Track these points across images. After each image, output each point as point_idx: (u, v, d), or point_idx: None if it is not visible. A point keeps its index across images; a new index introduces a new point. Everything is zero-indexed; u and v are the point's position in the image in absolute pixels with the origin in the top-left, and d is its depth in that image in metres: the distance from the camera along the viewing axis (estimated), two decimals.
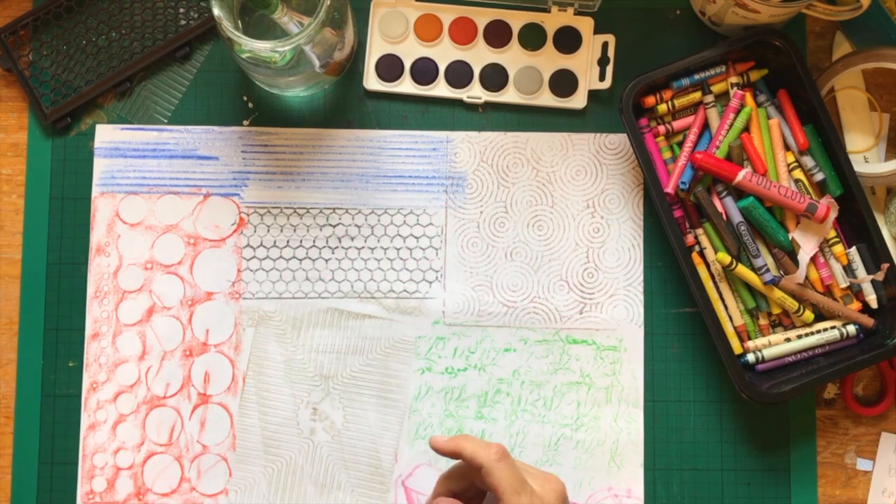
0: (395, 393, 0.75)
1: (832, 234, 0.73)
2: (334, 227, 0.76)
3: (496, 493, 0.62)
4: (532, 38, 0.77)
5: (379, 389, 0.74)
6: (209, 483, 0.74)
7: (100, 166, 0.76)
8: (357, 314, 0.75)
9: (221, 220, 0.76)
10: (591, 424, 0.75)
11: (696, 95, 0.74)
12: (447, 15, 0.77)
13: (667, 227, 0.71)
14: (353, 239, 0.76)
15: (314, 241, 0.76)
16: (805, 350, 0.73)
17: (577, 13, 0.77)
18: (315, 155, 0.76)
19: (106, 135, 0.76)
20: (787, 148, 0.74)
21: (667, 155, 0.75)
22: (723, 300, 0.74)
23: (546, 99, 0.76)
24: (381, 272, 0.76)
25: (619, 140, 0.76)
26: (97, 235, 0.76)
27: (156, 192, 0.76)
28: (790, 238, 0.72)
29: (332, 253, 0.76)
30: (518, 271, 0.76)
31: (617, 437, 0.75)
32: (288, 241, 0.76)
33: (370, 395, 0.74)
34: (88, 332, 0.75)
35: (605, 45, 0.77)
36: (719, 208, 0.73)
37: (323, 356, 0.75)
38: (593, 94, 0.77)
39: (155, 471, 0.74)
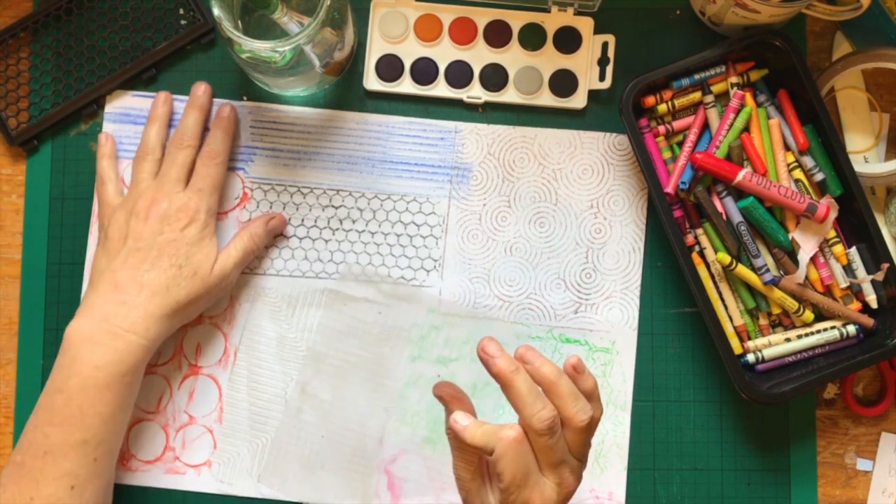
0: (385, 378, 0.74)
1: (832, 234, 0.73)
2: (337, 208, 0.76)
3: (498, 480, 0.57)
4: (532, 38, 0.77)
5: (369, 373, 0.74)
6: (193, 454, 0.74)
7: (108, 131, 0.76)
8: (353, 297, 0.75)
9: (225, 194, 0.76)
10: None
11: (696, 95, 0.74)
12: (447, 15, 0.77)
13: (667, 227, 0.71)
14: (354, 222, 0.76)
15: (315, 221, 0.76)
16: (805, 350, 0.73)
17: (577, 13, 0.77)
18: (323, 136, 0.76)
19: (116, 101, 0.76)
20: (787, 148, 0.74)
21: (667, 155, 0.75)
22: (723, 300, 0.74)
23: (546, 99, 0.76)
24: (379, 257, 0.76)
25: (628, 141, 0.76)
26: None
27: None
28: (790, 238, 0.72)
29: (333, 234, 0.76)
30: (516, 266, 0.76)
31: (603, 438, 0.74)
32: (289, 219, 0.76)
33: (360, 378, 0.74)
34: (86, 286, 0.75)
35: (605, 45, 0.77)
36: (719, 208, 0.73)
37: (316, 336, 0.75)
38: (593, 94, 0.77)
39: (140, 437, 0.74)
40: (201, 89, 0.74)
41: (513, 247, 0.76)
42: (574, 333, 0.75)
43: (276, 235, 0.75)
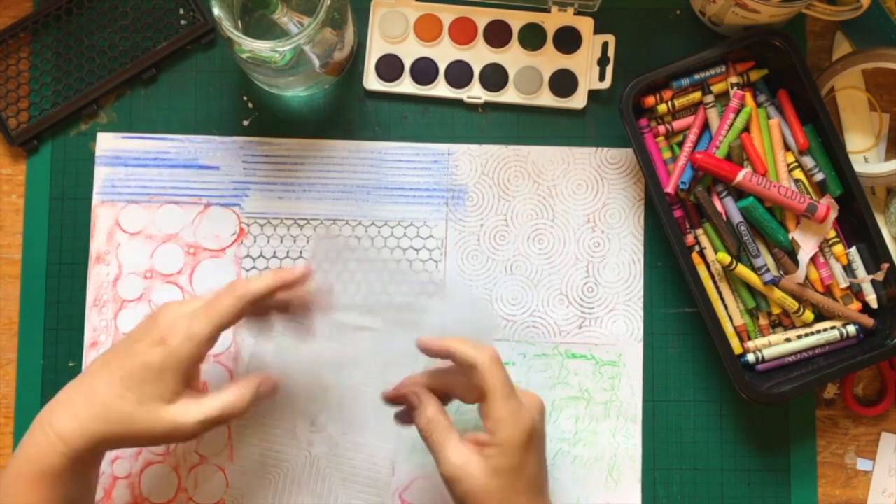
0: (393, 406, 0.74)
1: (832, 234, 0.73)
2: (334, 238, 0.76)
3: (486, 393, 0.61)
4: (532, 38, 0.77)
5: (377, 402, 0.73)
6: (206, 493, 0.74)
7: (100, 174, 0.76)
8: (356, 326, 0.75)
9: (221, 230, 0.76)
10: (589, 439, 0.74)
11: (696, 95, 0.74)
12: (447, 15, 0.77)
13: (667, 227, 0.71)
14: (353, 250, 0.76)
15: (314, 253, 0.76)
16: (805, 350, 0.73)
17: (577, 13, 0.77)
18: (316, 166, 0.76)
19: (107, 143, 0.76)
20: (787, 148, 0.74)
21: (667, 155, 0.75)
22: (723, 300, 0.74)
23: (546, 99, 0.76)
24: (380, 284, 0.75)
25: (621, 154, 0.76)
26: (97, 244, 0.76)
27: (156, 202, 0.76)
28: (790, 238, 0.72)
29: (332, 265, 0.75)
30: (518, 285, 0.76)
31: (615, 452, 0.74)
32: (288, 252, 0.76)
33: (368, 407, 0.74)
34: (87, 340, 0.75)
35: (605, 45, 0.77)
36: (719, 208, 0.73)
37: (321, 368, 0.74)
38: (593, 94, 0.77)
39: (152, 480, 0.74)
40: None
41: (513, 265, 0.76)
42: (580, 348, 0.75)
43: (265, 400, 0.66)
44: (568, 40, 0.76)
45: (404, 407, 0.68)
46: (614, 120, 0.76)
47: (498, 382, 0.62)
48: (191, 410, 0.60)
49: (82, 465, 0.61)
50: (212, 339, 0.61)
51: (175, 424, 0.60)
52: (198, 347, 0.60)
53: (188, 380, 0.61)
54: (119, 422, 0.60)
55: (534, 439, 0.62)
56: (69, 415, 0.60)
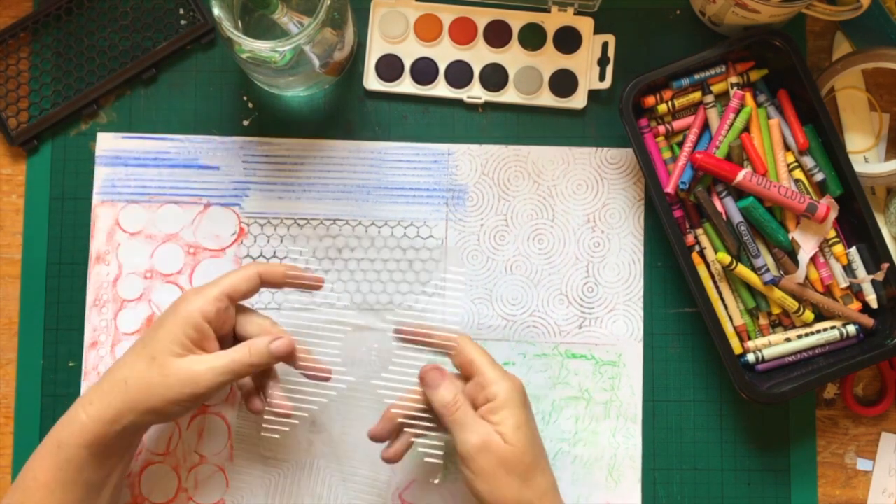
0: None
1: (832, 234, 0.73)
2: (334, 238, 0.76)
3: (472, 367, 0.65)
4: (532, 38, 0.77)
5: (376, 402, 0.74)
6: (206, 493, 0.74)
7: (100, 174, 0.76)
8: (356, 326, 0.75)
9: (221, 230, 0.76)
10: (589, 439, 0.74)
11: (696, 95, 0.74)
12: (447, 15, 0.77)
13: (667, 227, 0.71)
14: (353, 250, 0.76)
15: (314, 252, 0.76)
16: (805, 350, 0.73)
17: (577, 13, 0.77)
18: (316, 165, 0.76)
19: (107, 143, 0.76)
20: (787, 148, 0.74)
21: (667, 155, 0.75)
22: (723, 300, 0.74)
23: (546, 99, 0.76)
24: (380, 284, 0.75)
25: (621, 154, 0.76)
26: (97, 244, 0.76)
27: (156, 202, 0.76)
28: (790, 238, 0.72)
29: (332, 264, 0.76)
30: (518, 285, 0.76)
31: (615, 452, 0.74)
32: (288, 252, 0.76)
33: (368, 407, 0.74)
34: (87, 340, 0.75)
35: (605, 45, 0.77)
36: (719, 208, 0.73)
37: None
38: (593, 94, 0.77)
39: (152, 480, 0.74)
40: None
41: (513, 265, 0.76)
42: (580, 348, 0.75)
43: (284, 361, 0.66)
44: (568, 40, 0.76)
45: (389, 442, 0.68)
46: (614, 120, 0.76)
47: (481, 353, 0.65)
48: (202, 361, 0.62)
49: (107, 448, 0.63)
50: (219, 298, 0.64)
51: (190, 373, 0.62)
52: (206, 303, 0.63)
53: (200, 339, 0.63)
54: (136, 387, 0.62)
55: (527, 400, 0.65)
56: (97, 395, 0.63)
